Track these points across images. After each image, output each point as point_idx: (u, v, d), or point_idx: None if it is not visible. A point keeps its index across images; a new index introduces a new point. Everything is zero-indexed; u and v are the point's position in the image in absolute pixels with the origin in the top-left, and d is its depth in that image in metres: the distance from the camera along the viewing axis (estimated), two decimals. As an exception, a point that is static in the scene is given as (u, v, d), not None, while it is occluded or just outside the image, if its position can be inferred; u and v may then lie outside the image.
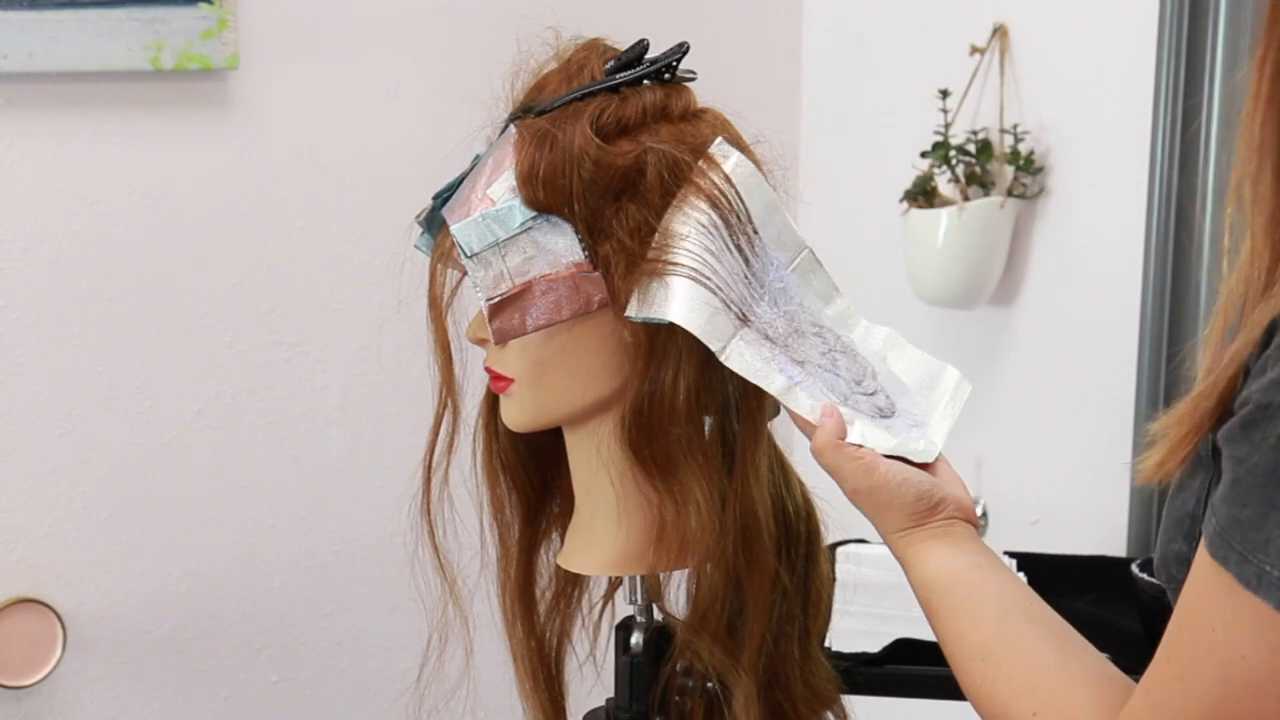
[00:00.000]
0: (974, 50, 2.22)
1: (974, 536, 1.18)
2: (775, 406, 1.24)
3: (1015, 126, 2.18)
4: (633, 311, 1.15)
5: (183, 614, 2.42)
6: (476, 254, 1.16)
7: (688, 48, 1.22)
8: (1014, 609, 1.11)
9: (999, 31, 2.22)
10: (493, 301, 1.16)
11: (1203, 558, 0.92)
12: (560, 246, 1.16)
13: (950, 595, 1.13)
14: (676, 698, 1.27)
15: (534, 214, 1.16)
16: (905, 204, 2.25)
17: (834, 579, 1.35)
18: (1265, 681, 0.89)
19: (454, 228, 1.16)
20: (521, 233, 1.16)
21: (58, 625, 2.31)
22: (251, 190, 2.37)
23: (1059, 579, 1.85)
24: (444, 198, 1.21)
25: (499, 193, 1.17)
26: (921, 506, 1.16)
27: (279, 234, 2.39)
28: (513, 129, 1.20)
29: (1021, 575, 1.90)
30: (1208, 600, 0.91)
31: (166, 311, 2.35)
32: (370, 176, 2.41)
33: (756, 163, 1.22)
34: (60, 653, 2.32)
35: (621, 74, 1.19)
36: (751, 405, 1.21)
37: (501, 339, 1.18)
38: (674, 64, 1.21)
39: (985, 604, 1.12)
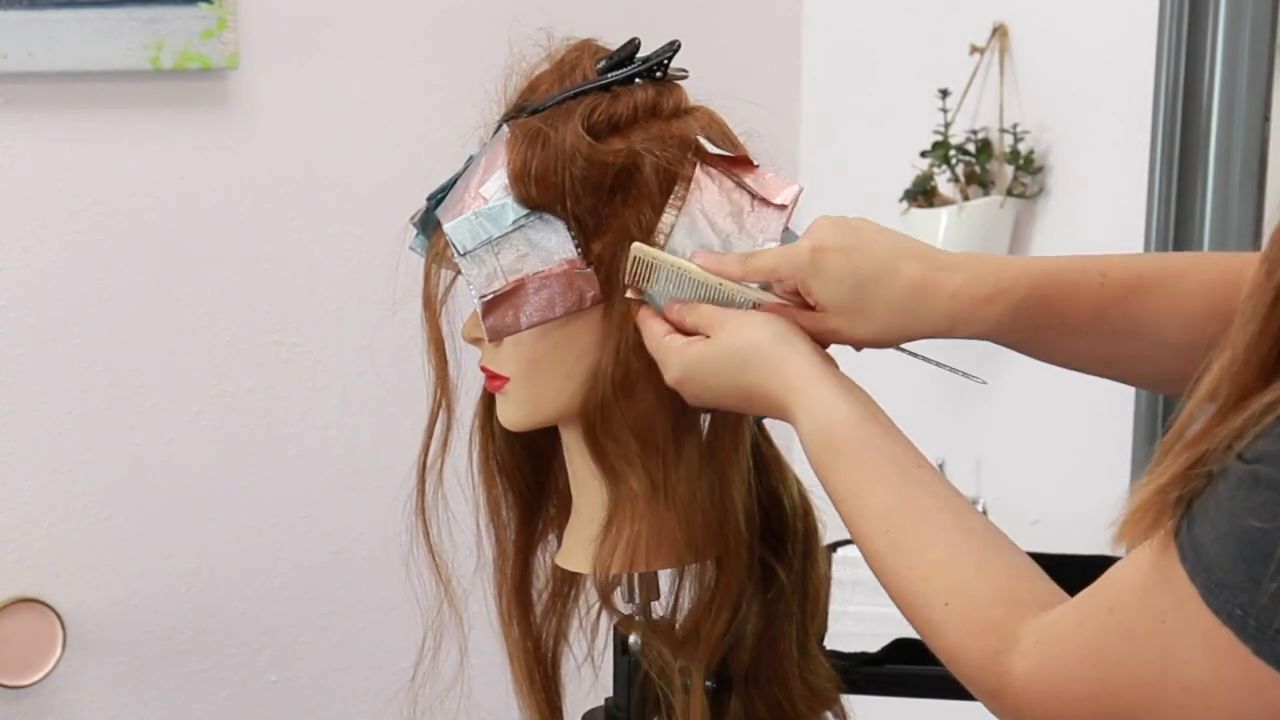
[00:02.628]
0: (974, 50, 2.22)
1: (845, 377, 1.12)
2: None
3: (1015, 126, 2.18)
4: (631, 291, 1.16)
5: (182, 614, 2.42)
6: (470, 252, 1.16)
7: (678, 46, 1.22)
8: (913, 480, 1.06)
9: (999, 31, 2.21)
10: (486, 299, 1.16)
11: (1169, 555, 0.90)
12: (553, 244, 1.16)
13: (843, 453, 1.08)
14: (676, 696, 1.27)
15: (526, 212, 1.16)
16: (905, 204, 2.25)
17: (831, 578, 1.35)
18: (1202, 690, 0.90)
19: (447, 226, 1.16)
20: (514, 230, 1.16)
21: (58, 625, 2.31)
22: (251, 190, 2.37)
23: (1059, 579, 1.84)
24: (438, 199, 1.22)
25: (491, 191, 1.17)
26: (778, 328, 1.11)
27: (279, 234, 2.39)
28: (506, 129, 1.20)
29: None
30: (1166, 591, 0.90)
31: (166, 311, 2.35)
32: (370, 176, 2.41)
33: (747, 157, 1.23)
34: (60, 653, 2.32)
35: (613, 73, 1.19)
36: None
37: (495, 336, 1.18)
38: (665, 62, 1.21)
39: (883, 466, 1.07)
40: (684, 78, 1.23)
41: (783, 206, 1.20)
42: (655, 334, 1.15)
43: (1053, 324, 1.17)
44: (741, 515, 1.22)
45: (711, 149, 1.19)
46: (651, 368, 1.17)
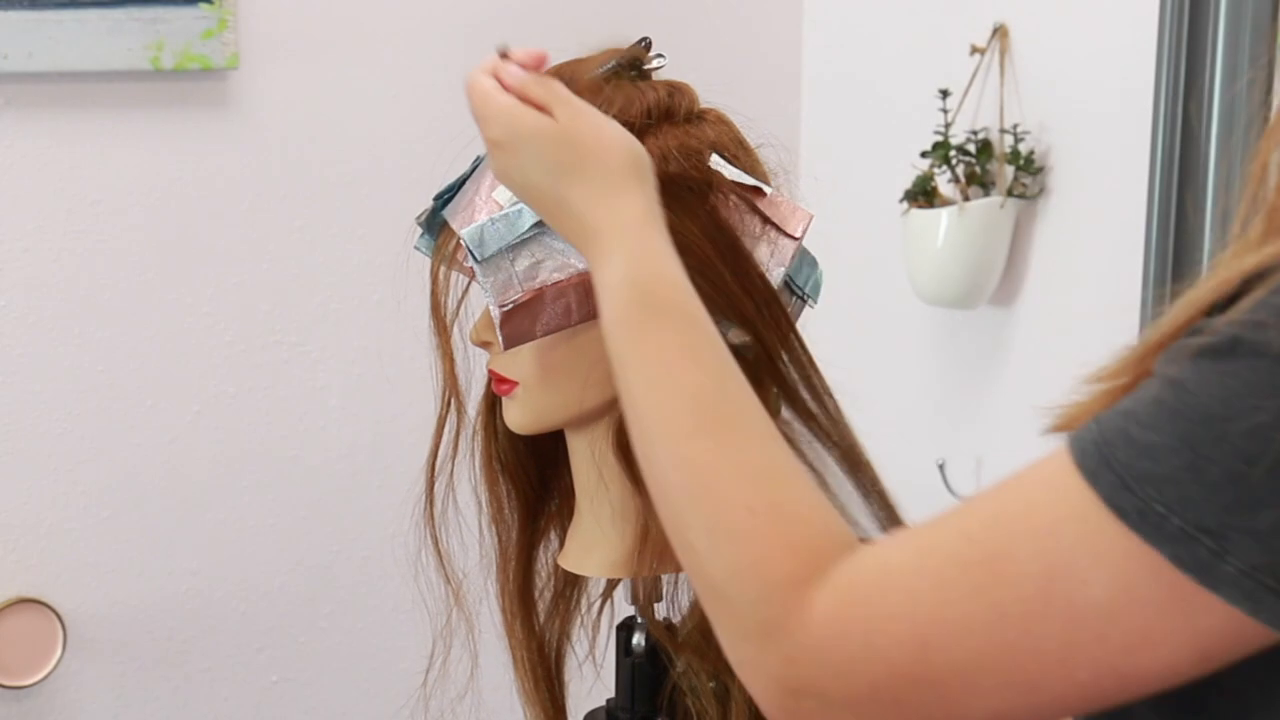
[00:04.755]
0: (974, 50, 2.22)
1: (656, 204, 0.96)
2: (776, 406, 1.24)
3: (1015, 126, 2.18)
4: None
5: (183, 614, 2.42)
6: (487, 258, 1.15)
7: (649, 42, 1.21)
8: (734, 375, 0.91)
9: (999, 31, 2.21)
10: (505, 308, 1.15)
11: (1061, 463, 0.78)
12: (569, 250, 1.16)
13: (663, 316, 0.92)
14: (686, 698, 1.27)
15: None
16: (905, 204, 2.25)
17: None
18: (1098, 616, 0.76)
19: (464, 232, 1.16)
20: (530, 236, 1.16)
21: (58, 625, 2.31)
22: (251, 190, 2.37)
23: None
24: (445, 199, 1.21)
25: (505, 196, 1.17)
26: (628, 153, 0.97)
27: (279, 234, 2.39)
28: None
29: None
30: (1060, 502, 0.77)
31: (166, 311, 2.35)
32: (370, 176, 2.41)
33: (760, 165, 1.23)
34: (60, 653, 2.32)
35: (598, 70, 1.19)
36: None
37: (511, 344, 1.17)
38: (639, 61, 1.20)
39: (705, 347, 0.91)
40: (661, 68, 1.22)
41: (796, 237, 1.20)
42: (485, 87, 1.02)
43: None
44: None
45: (727, 173, 1.18)
46: None
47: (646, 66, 1.21)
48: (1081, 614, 0.76)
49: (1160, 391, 0.77)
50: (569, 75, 1.19)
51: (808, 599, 0.82)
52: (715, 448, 0.87)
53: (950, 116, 2.21)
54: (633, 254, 0.95)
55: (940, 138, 2.21)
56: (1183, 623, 0.75)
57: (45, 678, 2.32)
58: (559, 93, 1.03)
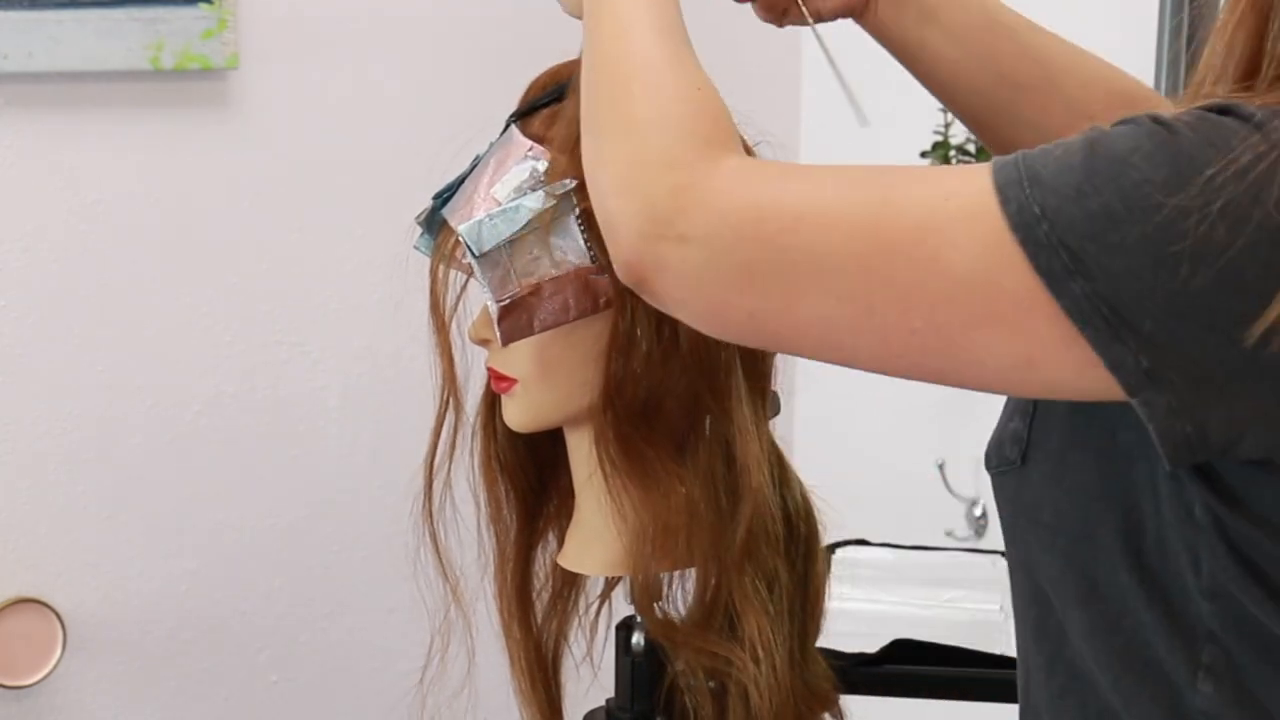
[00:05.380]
0: (974, 50, 2.22)
1: None
2: (775, 405, 1.24)
3: (1015, 127, 2.18)
4: None
5: (183, 614, 2.42)
6: (484, 254, 1.16)
7: None
8: (678, 25, 1.02)
9: (999, 32, 2.21)
10: (503, 303, 1.16)
11: (984, 164, 0.88)
12: (567, 246, 1.16)
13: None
14: (682, 697, 1.27)
15: (539, 210, 1.16)
16: (905, 204, 2.25)
17: (828, 578, 1.35)
18: (953, 280, 0.85)
19: (461, 228, 1.16)
20: (528, 232, 1.16)
21: (58, 625, 2.31)
22: (251, 190, 2.37)
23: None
24: (444, 198, 1.22)
25: (504, 193, 1.17)
26: None
27: (279, 234, 2.39)
28: (513, 129, 1.20)
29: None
30: (961, 183, 0.88)
31: (166, 311, 2.35)
32: (370, 176, 2.41)
33: None
34: (60, 653, 2.31)
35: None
36: (753, 404, 1.21)
37: (509, 340, 1.18)
38: None
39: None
40: None
41: None
42: None
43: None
44: (769, 511, 1.22)
45: None
46: (669, 368, 1.17)
47: None
48: (941, 269, 0.85)
49: (1090, 133, 0.86)
50: (567, 75, 1.20)
51: (717, 157, 0.92)
52: (671, 54, 0.99)
53: (950, 116, 2.21)
54: None
55: (940, 138, 2.21)
56: (1021, 318, 0.84)
57: (45, 678, 2.32)
58: None
